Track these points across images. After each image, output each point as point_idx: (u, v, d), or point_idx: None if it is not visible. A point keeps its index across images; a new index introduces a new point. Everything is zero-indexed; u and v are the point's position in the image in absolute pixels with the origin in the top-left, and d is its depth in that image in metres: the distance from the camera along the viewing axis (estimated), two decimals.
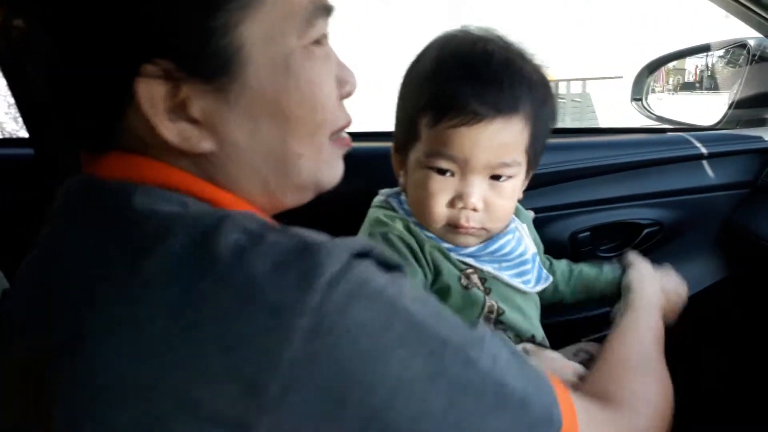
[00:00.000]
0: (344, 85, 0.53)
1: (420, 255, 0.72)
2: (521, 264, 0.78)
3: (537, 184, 1.10)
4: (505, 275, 0.76)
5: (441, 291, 0.72)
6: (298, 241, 0.41)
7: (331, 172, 0.54)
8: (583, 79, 6.65)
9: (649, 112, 1.46)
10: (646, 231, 1.19)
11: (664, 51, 1.44)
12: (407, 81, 0.76)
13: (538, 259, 0.82)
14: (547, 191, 1.14)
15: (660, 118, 1.44)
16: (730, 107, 1.36)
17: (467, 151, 0.68)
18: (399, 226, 0.73)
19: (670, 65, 1.58)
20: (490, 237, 0.76)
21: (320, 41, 0.49)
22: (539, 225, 0.96)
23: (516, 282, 0.76)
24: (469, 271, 0.74)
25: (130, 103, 0.44)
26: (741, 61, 1.37)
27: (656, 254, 1.22)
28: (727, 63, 1.46)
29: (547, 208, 1.13)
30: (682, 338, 1.25)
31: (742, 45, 1.35)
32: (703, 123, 1.38)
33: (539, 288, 0.80)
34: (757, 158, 1.23)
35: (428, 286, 0.72)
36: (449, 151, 0.68)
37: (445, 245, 0.74)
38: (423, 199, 0.72)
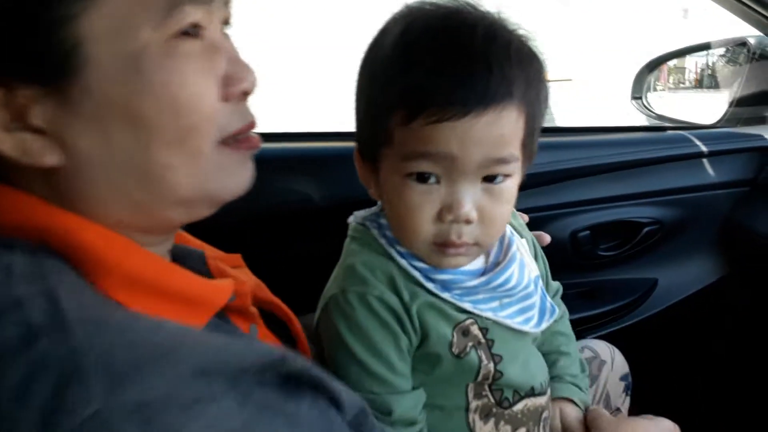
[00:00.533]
0: (235, 83, 0.45)
1: (405, 318, 0.60)
2: (525, 298, 0.67)
3: (536, 182, 1.11)
4: (506, 317, 0.65)
5: (428, 357, 0.62)
6: (71, 352, 0.33)
7: (228, 180, 0.46)
8: None
9: (648, 111, 1.46)
10: (645, 229, 1.20)
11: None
12: (367, 72, 0.62)
13: (540, 284, 0.71)
14: (547, 190, 1.14)
15: (660, 117, 1.44)
16: (730, 105, 1.36)
17: (454, 149, 0.55)
18: (380, 283, 0.61)
19: (671, 63, 1.58)
20: (482, 253, 0.65)
21: (191, 33, 0.42)
22: (539, 225, 0.96)
23: (517, 323, 0.65)
24: (468, 322, 0.63)
25: None
26: (741, 59, 1.37)
27: (656, 253, 1.23)
28: (728, 61, 1.46)
29: (546, 207, 1.14)
30: (684, 336, 1.26)
31: (742, 43, 1.35)
32: (703, 121, 1.38)
33: (544, 327, 0.68)
34: (757, 156, 1.23)
35: (412, 351, 0.62)
36: (432, 149, 0.55)
37: (432, 284, 0.62)
38: (403, 215, 0.59)
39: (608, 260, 1.21)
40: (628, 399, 0.93)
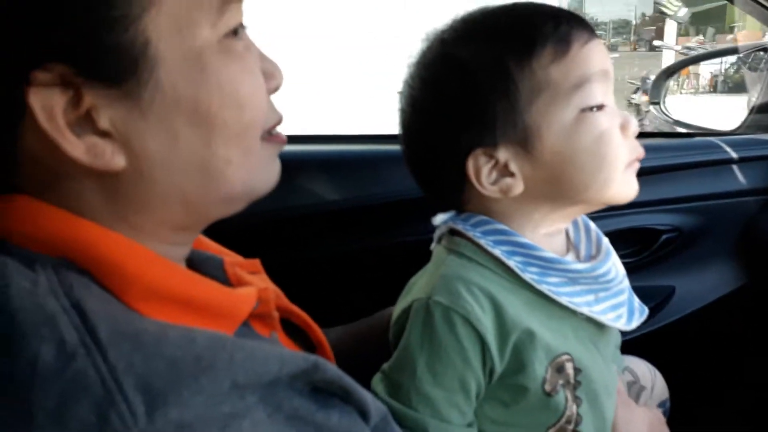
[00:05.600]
0: (270, 80, 0.47)
1: (493, 345, 0.56)
2: (619, 293, 0.65)
3: None
4: (600, 312, 0.62)
5: (514, 388, 0.58)
6: (110, 372, 0.32)
7: (266, 176, 0.48)
8: None
9: (666, 116, 1.44)
10: (664, 237, 1.18)
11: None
12: (470, 56, 0.58)
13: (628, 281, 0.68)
14: None
15: (677, 122, 1.43)
16: (750, 112, 1.34)
17: (608, 64, 0.58)
18: (473, 300, 0.56)
19: (691, 69, 1.56)
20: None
21: (237, 32, 0.43)
22: None
23: (610, 320, 0.62)
24: (564, 357, 0.59)
25: (23, 121, 0.37)
26: (762, 65, 1.35)
27: (674, 260, 1.22)
28: (749, 68, 1.44)
29: None
30: (702, 345, 1.24)
31: (763, 49, 1.33)
32: (722, 128, 1.37)
33: (634, 325, 0.64)
34: None
35: (494, 379, 0.58)
36: (596, 68, 0.57)
37: (533, 270, 0.59)
38: (596, 150, 0.57)
39: (625, 267, 1.20)
40: None
